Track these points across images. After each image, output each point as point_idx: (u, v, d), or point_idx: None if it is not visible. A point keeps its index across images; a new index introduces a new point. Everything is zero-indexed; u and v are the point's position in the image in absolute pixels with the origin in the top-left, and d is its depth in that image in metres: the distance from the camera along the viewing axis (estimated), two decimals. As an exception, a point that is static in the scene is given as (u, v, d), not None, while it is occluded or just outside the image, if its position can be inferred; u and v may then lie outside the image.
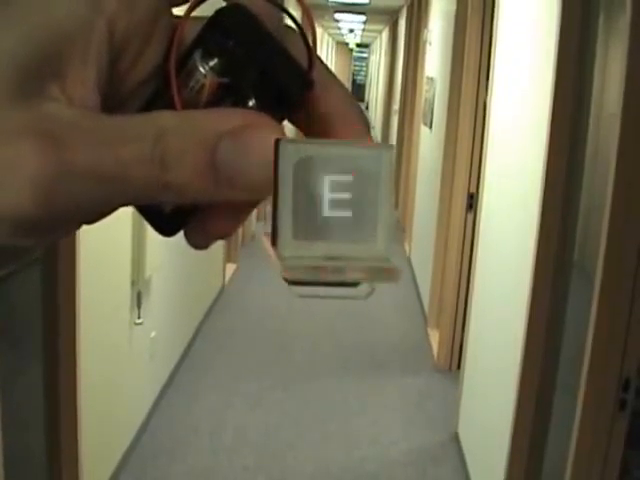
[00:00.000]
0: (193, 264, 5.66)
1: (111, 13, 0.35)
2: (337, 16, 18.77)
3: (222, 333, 6.17)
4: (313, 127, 0.39)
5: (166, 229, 0.40)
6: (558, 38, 2.98)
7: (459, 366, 5.08)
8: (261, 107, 0.37)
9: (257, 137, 0.34)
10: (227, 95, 0.37)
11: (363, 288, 0.35)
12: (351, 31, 26.31)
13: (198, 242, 0.40)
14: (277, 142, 0.33)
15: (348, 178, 0.35)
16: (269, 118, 0.35)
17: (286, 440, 4.58)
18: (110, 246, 3.58)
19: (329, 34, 28.37)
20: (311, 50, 0.38)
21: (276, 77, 0.37)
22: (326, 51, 27.39)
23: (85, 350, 3.26)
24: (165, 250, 4.37)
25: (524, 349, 3.20)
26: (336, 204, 0.35)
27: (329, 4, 14.97)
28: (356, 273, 0.35)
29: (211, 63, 0.37)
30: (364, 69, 38.29)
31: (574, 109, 2.99)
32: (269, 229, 0.35)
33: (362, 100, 35.36)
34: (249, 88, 0.37)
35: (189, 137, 0.34)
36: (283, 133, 0.35)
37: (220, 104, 0.37)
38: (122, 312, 3.90)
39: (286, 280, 0.34)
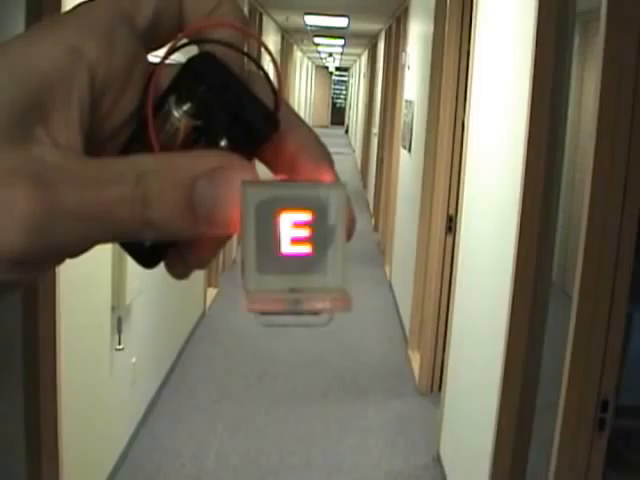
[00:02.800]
0: (174, 289, 5.64)
1: (91, 60, 0.38)
2: (316, 40, 18.86)
3: (204, 358, 6.15)
4: (281, 165, 0.42)
5: (147, 261, 0.42)
6: (533, 61, 3.01)
7: (440, 388, 5.08)
8: (232, 146, 0.39)
9: (229, 177, 0.37)
10: (200, 136, 0.39)
11: (324, 316, 0.38)
12: (330, 55, 26.43)
13: (178, 272, 0.42)
14: (242, 185, 0.37)
15: (306, 216, 0.38)
16: (240, 159, 0.38)
17: (268, 465, 4.56)
18: (90, 272, 3.58)
19: (308, 58, 28.47)
20: (276, 93, 0.41)
21: (245, 118, 0.39)
22: (306, 75, 27.49)
23: (66, 376, 3.25)
24: (145, 275, 4.36)
25: (504, 370, 3.22)
26: (296, 240, 0.38)
27: (308, 28, 15.05)
28: (314, 304, 0.38)
29: (185, 107, 0.39)
30: (344, 93, 38.42)
31: (550, 131, 3.02)
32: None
33: (342, 123, 35.46)
34: (220, 129, 0.39)
35: (168, 178, 0.37)
36: (254, 172, 0.38)
37: (194, 145, 0.39)
38: (103, 338, 3.89)
39: (250, 311, 0.37)
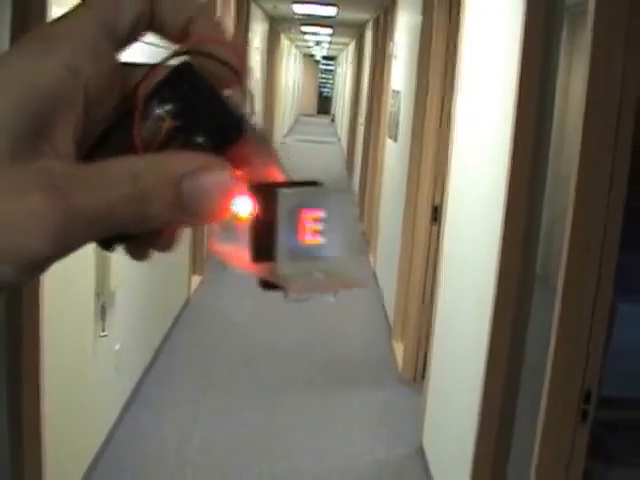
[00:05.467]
0: (158, 276, 5.63)
1: (86, 78, 0.42)
2: (304, 29, 18.82)
3: (188, 346, 6.14)
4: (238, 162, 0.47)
5: (106, 244, 0.46)
6: (522, 52, 3.01)
7: (424, 378, 5.09)
8: (208, 144, 0.44)
9: (211, 176, 0.42)
10: (178, 135, 0.44)
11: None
12: (318, 43, 26.37)
13: (139, 255, 0.48)
14: (276, 191, 0.45)
15: (321, 213, 0.46)
16: (220, 160, 0.44)
17: (252, 454, 4.56)
18: (74, 258, 3.54)
19: (296, 46, 28.41)
20: (248, 106, 0.47)
21: (218, 121, 0.45)
22: (293, 63, 27.43)
23: (49, 362, 3.24)
24: (130, 262, 4.33)
25: (488, 359, 3.23)
26: (315, 232, 0.46)
27: (295, 16, 15.01)
28: (337, 283, 0.46)
29: (166, 108, 0.44)
30: (331, 81, 38.36)
31: (538, 123, 3.02)
32: (237, 247, 0.47)
33: (328, 112, 35.44)
34: (198, 129, 0.44)
35: (159, 178, 0.42)
36: (231, 170, 0.43)
37: (172, 142, 0.44)
38: (86, 324, 3.88)
39: (286, 291, 0.45)
